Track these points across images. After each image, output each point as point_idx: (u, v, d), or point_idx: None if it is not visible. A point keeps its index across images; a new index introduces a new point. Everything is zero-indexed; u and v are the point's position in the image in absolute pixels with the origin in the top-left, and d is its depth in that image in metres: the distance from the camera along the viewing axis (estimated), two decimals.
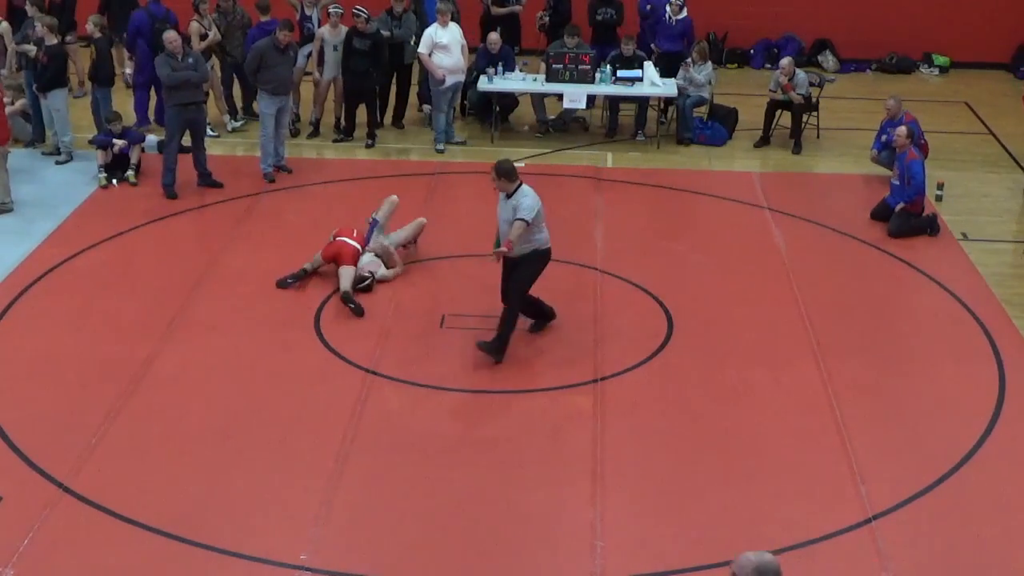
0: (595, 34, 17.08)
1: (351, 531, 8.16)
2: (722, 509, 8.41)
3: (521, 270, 10.20)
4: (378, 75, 15.31)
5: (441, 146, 15.52)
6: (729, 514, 8.36)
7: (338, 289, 11.26)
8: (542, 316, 10.73)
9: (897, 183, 13.19)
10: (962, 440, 9.28)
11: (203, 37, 15.16)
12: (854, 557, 7.99)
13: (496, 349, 10.14)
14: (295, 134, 15.64)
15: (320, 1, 15.87)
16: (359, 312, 10.91)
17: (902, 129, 13.38)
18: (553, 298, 11.41)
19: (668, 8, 16.81)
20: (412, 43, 15.68)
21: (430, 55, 15.14)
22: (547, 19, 17.44)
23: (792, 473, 8.86)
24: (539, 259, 10.23)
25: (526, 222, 9.94)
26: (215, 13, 15.77)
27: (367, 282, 11.42)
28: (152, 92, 15.54)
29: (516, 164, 14.88)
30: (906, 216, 13.03)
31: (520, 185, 10.17)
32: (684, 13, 16.87)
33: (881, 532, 8.18)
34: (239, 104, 16.24)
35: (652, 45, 16.87)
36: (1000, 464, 9.04)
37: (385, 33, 15.33)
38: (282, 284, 11.44)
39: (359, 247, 11.57)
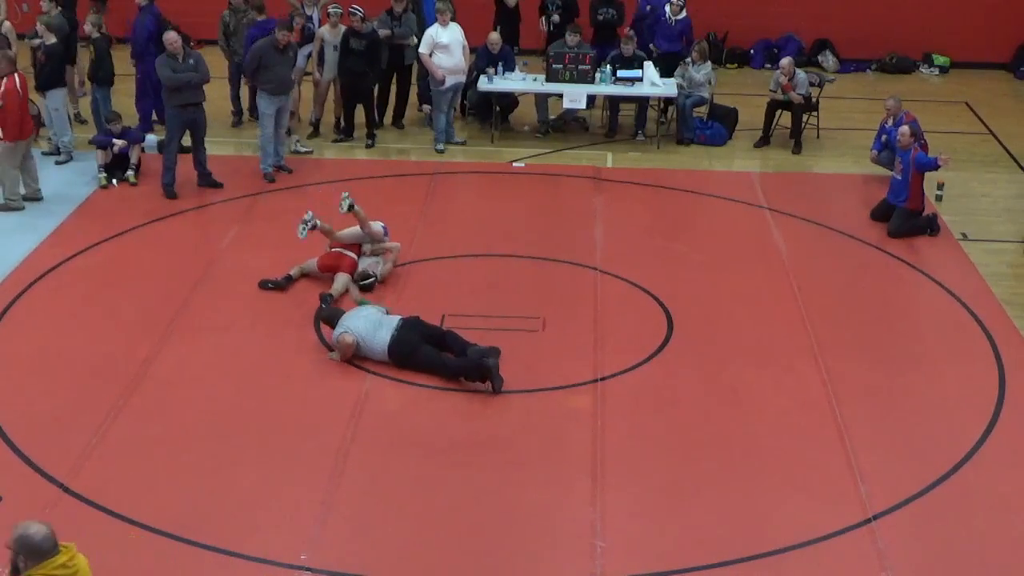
0: (596, 34, 17.06)
1: (351, 531, 8.16)
2: (722, 509, 8.41)
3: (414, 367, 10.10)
4: (375, 75, 15.31)
5: (441, 146, 15.52)
6: (729, 514, 8.36)
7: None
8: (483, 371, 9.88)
9: (900, 178, 13.18)
10: (962, 440, 9.28)
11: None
12: (854, 557, 7.99)
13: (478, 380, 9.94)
14: (288, 133, 15.50)
15: (320, 1, 15.86)
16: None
17: (905, 128, 13.37)
18: (553, 298, 11.44)
19: (668, 8, 16.81)
20: (413, 44, 15.67)
21: (430, 55, 15.15)
22: (557, 18, 17.16)
23: (792, 473, 8.86)
24: (400, 362, 10.02)
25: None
26: (227, 10, 15.76)
27: (370, 280, 11.43)
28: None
29: (516, 164, 15.14)
30: (906, 216, 13.03)
31: None
32: (684, 13, 16.88)
33: (881, 532, 8.18)
34: (245, 105, 16.22)
35: (651, 45, 16.86)
36: (1000, 464, 9.04)
37: (385, 32, 15.32)
38: (263, 285, 11.43)
39: (355, 256, 11.58)
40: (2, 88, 12.86)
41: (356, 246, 11.69)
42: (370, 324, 10.12)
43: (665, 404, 9.75)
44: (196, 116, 13.71)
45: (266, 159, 14.26)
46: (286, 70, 14.16)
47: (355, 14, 14.84)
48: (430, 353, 10.00)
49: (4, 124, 12.92)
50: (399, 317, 10.26)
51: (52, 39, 14.32)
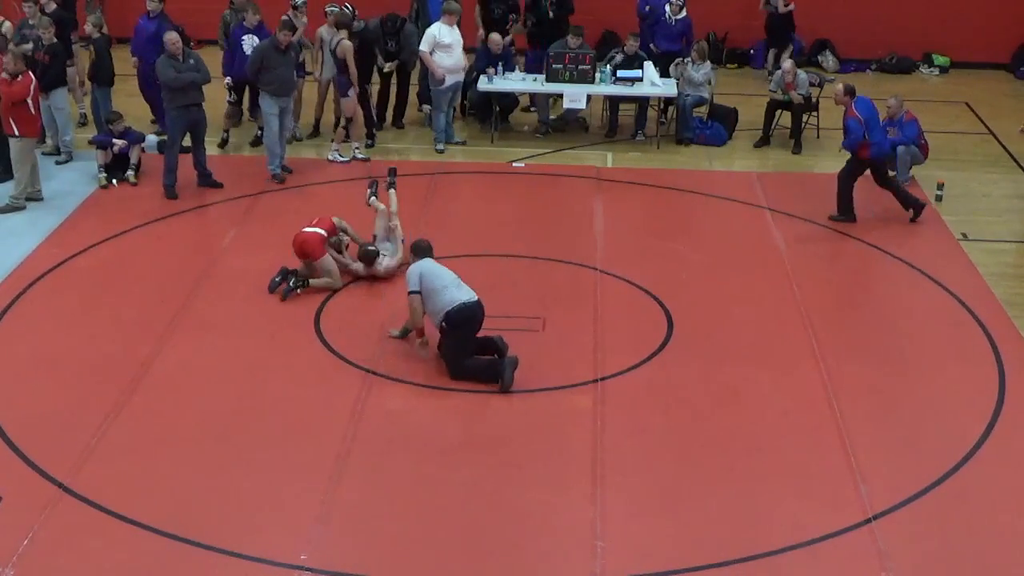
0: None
1: (351, 531, 8.16)
2: (722, 509, 8.41)
3: (443, 346, 10.02)
4: (370, 73, 15.31)
5: (441, 146, 15.52)
6: (729, 514, 8.36)
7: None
8: (497, 368, 9.90)
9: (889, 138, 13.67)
10: (962, 440, 9.28)
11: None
12: (854, 557, 7.99)
13: (491, 381, 9.88)
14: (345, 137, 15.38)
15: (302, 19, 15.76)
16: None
17: (839, 87, 13.29)
18: (553, 298, 11.44)
19: (668, 8, 16.82)
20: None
21: (431, 53, 15.14)
22: (530, 24, 16.98)
23: (792, 473, 8.86)
24: (450, 329, 9.85)
25: (413, 293, 9.95)
26: (227, 10, 15.73)
27: (372, 250, 11.57)
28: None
29: (516, 164, 15.14)
30: (881, 170, 13.34)
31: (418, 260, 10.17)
32: (684, 13, 16.88)
33: (881, 532, 8.19)
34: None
35: (651, 45, 16.87)
36: (1000, 464, 9.04)
37: (388, 68, 15.34)
38: (283, 292, 11.37)
39: (322, 232, 11.42)
40: (21, 84, 12.93)
41: (324, 222, 11.55)
42: (454, 278, 9.98)
43: (665, 404, 9.76)
44: (198, 116, 13.72)
45: (273, 160, 14.24)
46: (288, 71, 14.17)
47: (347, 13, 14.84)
48: (472, 352, 9.95)
49: (19, 119, 12.99)
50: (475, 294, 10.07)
51: (53, 39, 14.30)
